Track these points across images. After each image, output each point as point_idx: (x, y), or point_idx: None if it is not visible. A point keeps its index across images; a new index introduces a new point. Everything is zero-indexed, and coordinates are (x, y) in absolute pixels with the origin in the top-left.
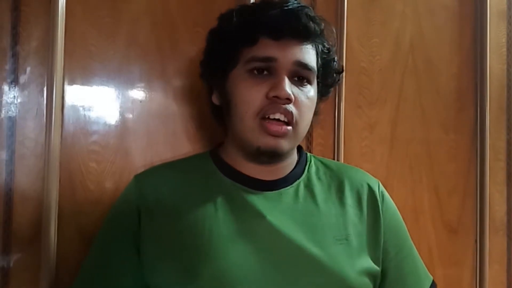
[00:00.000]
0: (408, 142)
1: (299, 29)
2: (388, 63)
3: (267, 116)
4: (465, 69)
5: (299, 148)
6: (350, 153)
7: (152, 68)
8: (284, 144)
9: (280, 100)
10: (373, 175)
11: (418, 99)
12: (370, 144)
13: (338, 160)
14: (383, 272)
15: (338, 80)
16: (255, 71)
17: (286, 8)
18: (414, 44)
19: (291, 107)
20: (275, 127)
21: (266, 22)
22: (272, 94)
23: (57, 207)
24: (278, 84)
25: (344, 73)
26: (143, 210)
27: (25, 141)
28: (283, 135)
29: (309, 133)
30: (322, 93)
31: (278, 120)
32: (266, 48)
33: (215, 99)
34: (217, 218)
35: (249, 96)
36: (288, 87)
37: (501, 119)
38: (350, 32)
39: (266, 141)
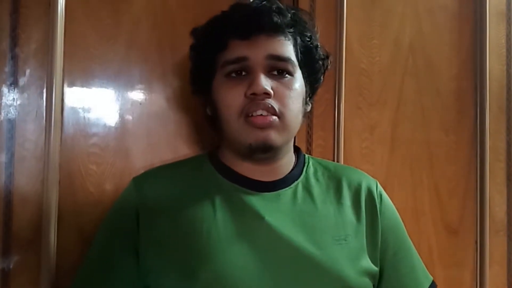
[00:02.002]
0: (408, 143)
1: (264, 24)
2: (388, 64)
3: (250, 115)
4: (465, 70)
5: (297, 150)
6: (350, 154)
7: (152, 70)
8: (273, 135)
9: (259, 96)
10: (373, 176)
11: (418, 100)
12: (370, 145)
13: (338, 161)
14: (380, 272)
15: (327, 66)
16: (233, 74)
17: (250, 7)
18: (414, 45)
19: (271, 101)
20: (260, 119)
21: (232, 25)
22: (249, 92)
23: (57, 209)
24: (253, 81)
25: (343, 74)
26: (142, 212)
27: (24, 143)
28: (269, 125)
29: (309, 135)
30: (311, 82)
31: (261, 115)
32: (237, 49)
33: (208, 110)
34: (215, 219)
35: (229, 98)
36: (265, 82)
37: (501, 120)
38: (350, 33)
39: (255, 136)
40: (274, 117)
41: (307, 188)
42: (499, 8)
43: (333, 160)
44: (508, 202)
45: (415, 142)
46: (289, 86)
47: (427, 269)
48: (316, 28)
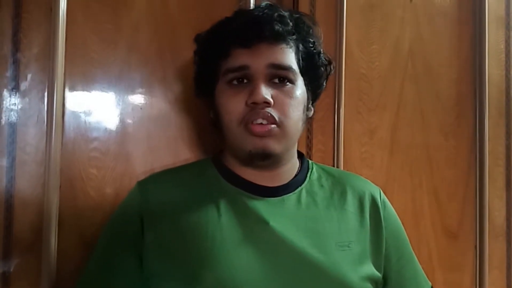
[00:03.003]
0: (408, 147)
1: (265, 33)
2: (388, 69)
3: (250, 123)
4: (464, 74)
5: (301, 156)
6: (350, 159)
7: (152, 74)
8: (272, 143)
9: (259, 105)
10: (373, 181)
11: (417, 104)
12: (370, 150)
13: (338, 166)
14: (384, 278)
15: (329, 72)
16: (234, 81)
17: (252, 15)
18: (414, 50)
19: (271, 110)
20: (259, 128)
21: (234, 33)
22: (250, 100)
23: (57, 213)
24: (254, 90)
25: (343, 78)
26: (146, 216)
27: (26, 147)
28: (268, 134)
29: (309, 140)
30: (313, 88)
31: (261, 124)
32: (239, 58)
33: (211, 114)
34: (220, 224)
35: (231, 106)
36: (265, 91)
37: (500, 124)
38: (350, 38)
39: (254, 143)
40: (273, 126)
41: (311, 194)
42: (498, 14)
43: (333, 165)
44: (507, 206)
45: (414, 146)
46: (289, 94)
47: (427, 273)
48: (320, 33)
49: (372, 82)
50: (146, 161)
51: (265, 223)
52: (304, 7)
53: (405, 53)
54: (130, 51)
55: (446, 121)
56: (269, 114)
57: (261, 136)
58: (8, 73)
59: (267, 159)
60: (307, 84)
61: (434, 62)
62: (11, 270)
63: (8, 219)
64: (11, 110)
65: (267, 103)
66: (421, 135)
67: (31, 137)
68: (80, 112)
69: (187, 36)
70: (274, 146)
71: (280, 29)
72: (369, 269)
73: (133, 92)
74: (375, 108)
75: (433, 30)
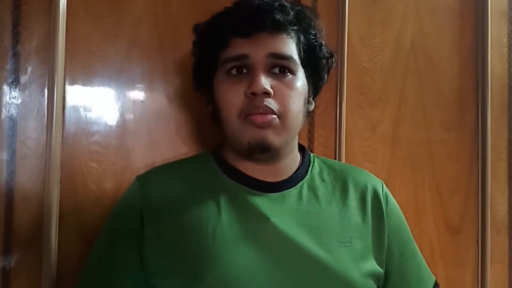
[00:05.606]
0: (410, 142)
1: (266, 22)
2: (390, 63)
3: (250, 115)
4: (467, 69)
5: (303, 149)
6: (352, 153)
7: (153, 69)
8: (272, 135)
9: (258, 96)
10: (374, 175)
11: (419, 99)
12: (372, 144)
13: (339, 160)
14: (386, 274)
15: (331, 65)
16: (233, 71)
17: (252, 4)
18: (416, 44)
19: (271, 101)
20: (260, 118)
21: (234, 22)
22: (249, 91)
23: (58, 207)
24: (253, 80)
25: (345, 72)
26: (146, 212)
27: (26, 141)
28: (268, 125)
29: (311, 133)
30: (314, 81)
31: (261, 113)
32: (238, 47)
33: (210, 107)
34: (220, 219)
35: (230, 97)
36: (264, 81)
37: (503, 119)
38: (352, 32)
39: (253, 134)
40: (274, 116)
41: (312, 189)
42: (501, 7)
43: (335, 159)
44: (509, 201)
45: (416, 141)
46: (290, 85)
47: (429, 268)
48: (322, 26)
49: (374, 76)
50: (146, 156)
51: (266, 219)
52: (306, 0)
53: (407, 47)
54: (131, 45)
55: (448, 115)
56: (269, 106)
57: (261, 127)
58: (8, 66)
59: (266, 152)
60: (308, 76)
61: (436, 56)
62: (12, 264)
63: (8, 213)
64: (11, 103)
65: (266, 94)
66: (423, 129)
67: (31, 131)
68: (81, 106)
69: (188, 31)
70: (274, 138)
71: (281, 18)
72: (371, 265)
73: (133, 86)
74: (377, 102)
75: (435, 24)
